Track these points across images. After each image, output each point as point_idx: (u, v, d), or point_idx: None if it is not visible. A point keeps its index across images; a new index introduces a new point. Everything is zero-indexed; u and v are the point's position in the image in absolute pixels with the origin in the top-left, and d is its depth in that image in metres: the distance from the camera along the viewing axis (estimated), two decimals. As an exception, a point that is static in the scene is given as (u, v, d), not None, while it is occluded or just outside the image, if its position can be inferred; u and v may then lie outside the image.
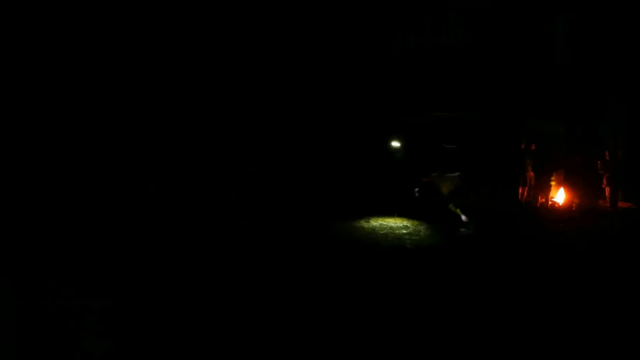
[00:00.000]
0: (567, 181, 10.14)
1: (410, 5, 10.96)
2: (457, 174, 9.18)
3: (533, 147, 10.52)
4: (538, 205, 10.24)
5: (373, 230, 7.67)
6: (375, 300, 4.46)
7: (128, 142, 8.35)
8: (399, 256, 6.14)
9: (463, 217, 8.57)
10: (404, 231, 7.62)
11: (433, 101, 11.19)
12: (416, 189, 9.78)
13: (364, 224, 8.08)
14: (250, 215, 7.65)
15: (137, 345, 3.55)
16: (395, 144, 11.40)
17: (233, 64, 10.00)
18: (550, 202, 10.18)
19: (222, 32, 9.74)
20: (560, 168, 10.37)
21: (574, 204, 9.82)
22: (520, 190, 10.52)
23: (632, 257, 6.26)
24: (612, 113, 11.16)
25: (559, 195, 10.20)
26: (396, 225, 8.08)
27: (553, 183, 10.29)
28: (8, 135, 7.47)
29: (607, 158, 9.79)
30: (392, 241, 6.91)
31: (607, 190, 9.80)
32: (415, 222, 8.33)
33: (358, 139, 11.00)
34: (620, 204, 10.30)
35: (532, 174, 10.57)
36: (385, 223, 8.20)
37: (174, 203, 7.78)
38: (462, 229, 8.11)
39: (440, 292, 4.80)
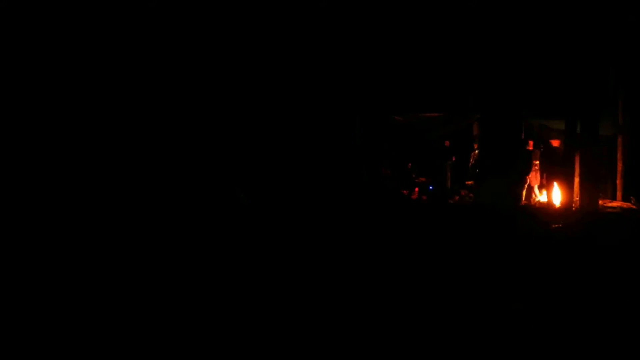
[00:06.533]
0: (566, 180, 10.18)
1: None
2: None
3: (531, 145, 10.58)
4: (537, 205, 10.28)
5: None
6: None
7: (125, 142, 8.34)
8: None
9: None
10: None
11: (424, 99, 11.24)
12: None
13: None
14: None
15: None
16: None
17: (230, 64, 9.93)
18: (549, 202, 10.22)
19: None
20: (560, 167, 10.42)
21: (574, 204, 9.85)
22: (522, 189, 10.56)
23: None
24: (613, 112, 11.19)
25: (557, 195, 10.24)
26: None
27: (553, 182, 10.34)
28: (9, 135, 7.48)
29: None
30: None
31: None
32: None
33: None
34: (619, 204, 10.34)
35: (533, 173, 10.61)
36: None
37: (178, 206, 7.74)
38: None
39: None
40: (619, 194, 10.86)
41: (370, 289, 4.90)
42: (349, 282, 5.09)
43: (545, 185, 10.66)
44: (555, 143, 10.60)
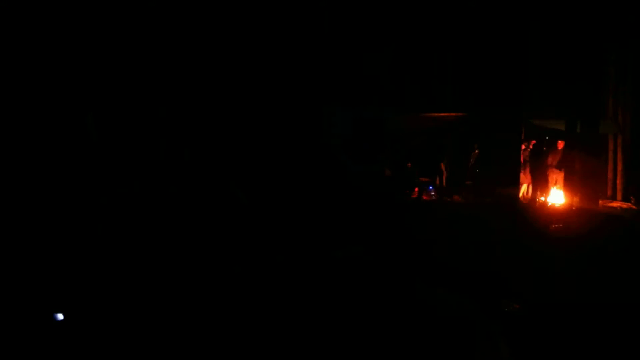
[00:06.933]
0: (567, 180, 10.18)
1: None
2: None
3: (533, 144, 10.58)
4: (537, 204, 10.27)
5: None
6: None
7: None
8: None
9: None
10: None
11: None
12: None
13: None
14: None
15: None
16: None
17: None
18: (549, 202, 10.21)
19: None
20: (560, 167, 10.42)
21: (574, 204, 9.85)
22: (520, 189, 10.56)
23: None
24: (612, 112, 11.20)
25: (558, 195, 10.23)
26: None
27: (554, 183, 10.34)
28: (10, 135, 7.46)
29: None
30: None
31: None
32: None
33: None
34: (619, 204, 10.33)
35: (531, 172, 10.62)
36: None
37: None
38: None
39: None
40: (619, 194, 10.86)
41: (369, 289, 4.88)
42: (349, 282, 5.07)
43: (545, 185, 10.65)
44: (560, 145, 10.61)
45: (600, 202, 10.12)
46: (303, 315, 4.14)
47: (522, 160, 10.61)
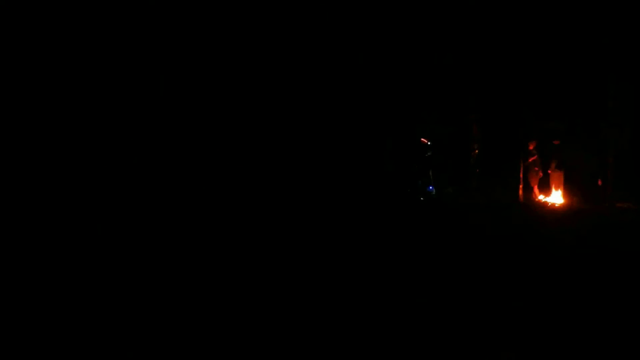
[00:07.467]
0: (567, 181, 10.20)
1: None
2: None
3: (531, 147, 10.58)
4: (537, 203, 10.29)
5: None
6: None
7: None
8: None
9: None
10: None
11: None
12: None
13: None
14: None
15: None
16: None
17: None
18: (549, 202, 10.23)
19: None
20: (560, 167, 10.43)
21: (574, 204, 9.87)
22: (520, 189, 10.58)
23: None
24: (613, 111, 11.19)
25: (558, 195, 10.26)
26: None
27: (554, 183, 10.36)
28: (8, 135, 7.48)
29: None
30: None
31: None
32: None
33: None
34: (620, 204, 10.32)
35: (531, 172, 10.63)
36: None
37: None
38: None
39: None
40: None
41: (372, 285, 4.91)
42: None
43: (545, 185, 10.67)
44: (557, 143, 10.60)
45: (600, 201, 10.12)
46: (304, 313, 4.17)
47: (523, 162, 10.62)
